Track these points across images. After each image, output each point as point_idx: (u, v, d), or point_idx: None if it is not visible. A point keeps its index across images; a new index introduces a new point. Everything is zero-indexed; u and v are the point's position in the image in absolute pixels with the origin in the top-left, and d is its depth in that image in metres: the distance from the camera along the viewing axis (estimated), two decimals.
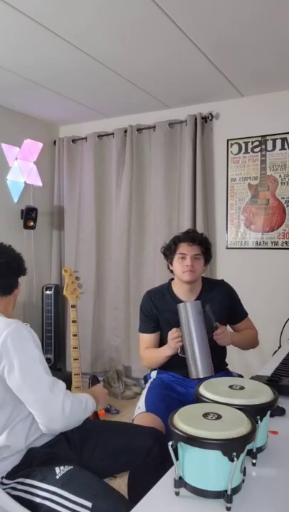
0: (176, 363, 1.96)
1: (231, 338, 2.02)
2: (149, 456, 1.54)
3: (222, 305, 2.11)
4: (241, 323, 2.21)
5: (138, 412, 1.86)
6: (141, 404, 1.91)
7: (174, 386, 2.03)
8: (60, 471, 1.33)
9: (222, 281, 2.26)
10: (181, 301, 2.07)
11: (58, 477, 1.31)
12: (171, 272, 2.17)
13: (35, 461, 1.40)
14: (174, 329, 1.93)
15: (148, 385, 2.08)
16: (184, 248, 2.07)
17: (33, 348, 1.40)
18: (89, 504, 1.22)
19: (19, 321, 1.46)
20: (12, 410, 1.40)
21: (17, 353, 1.35)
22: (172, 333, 1.93)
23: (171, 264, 2.13)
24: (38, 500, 1.30)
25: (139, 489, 1.14)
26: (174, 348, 1.92)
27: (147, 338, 2.15)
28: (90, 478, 1.34)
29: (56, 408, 1.35)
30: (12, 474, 1.39)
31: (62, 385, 1.41)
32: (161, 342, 2.13)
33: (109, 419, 3.27)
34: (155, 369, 2.15)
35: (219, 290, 2.17)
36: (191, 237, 2.10)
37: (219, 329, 1.96)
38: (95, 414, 2.05)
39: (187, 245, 2.07)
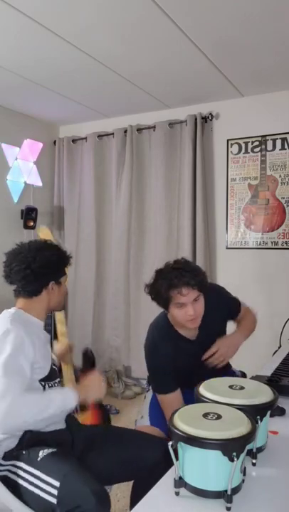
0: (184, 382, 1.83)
1: (234, 345, 1.81)
2: (157, 468, 1.49)
3: (222, 316, 1.96)
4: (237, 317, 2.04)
5: (141, 424, 1.79)
6: (144, 413, 1.83)
7: None
8: (43, 453, 1.38)
9: (208, 289, 1.85)
10: (189, 340, 1.84)
11: (39, 459, 1.36)
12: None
13: (28, 443, 1.43)
14: None
15: (151, 391, 1.96)
16: (180, 298, 1.69)
17: (7, 349, 1.37)
18: (57, 484, 1.27)
19: (21, 326, 1.45)
20: None
21: None
22: None
23: (167, 311, 1.79)
24: (21, 482, 1.35)
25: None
26: None
27: (174, 398, 1.75)
28: (64, 459, 1.37)
29: None
30: (9, 456, 1.42)
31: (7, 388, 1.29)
32: None
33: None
34: None
35: (212, 305, 1.85)
36: (186, 282, 1.68)
37: (213, 350, 1.74)
38: (107, 419, 1.95)
39: (181, 295, 1.69)
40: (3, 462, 1.43)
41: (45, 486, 1.29)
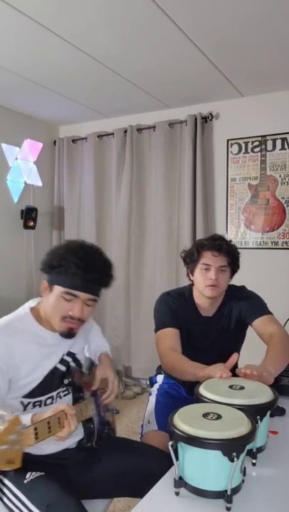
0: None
1: (267, 375, 1.44)
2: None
3: (242, 311, 1.91)
4: (258, 320, 1.85)
5: (149, 429, 1.72)
6: (150, 418, 1.77)
7: (179, 399, 1.88)
8: (30, 475, 1.32)
9: (242, 287, 2.01)
10: (202, 316, 1.87)
11: (25, 481, 1.31)
12: (190, 280, 1.92)
13: None
14: (224, 368, 1.45)
15: (154, 392, 1.93)
16: (208, 258, 1.81)
17: None
18: None
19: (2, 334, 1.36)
20: None
21: None
22: (220, 370, 1.43)
23: (192, 274, 1.88)
24: (6, 501, 1.32)
25: None
26: (205, 378, 1.45)
27: (172, 333, 1.78)
28: (50, 486, 1.31)
29: None
30: None
31: None
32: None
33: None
34: (161, 373, 2.01)
35: (240, 299, 1.91)
36: (218, 245, 1.81)
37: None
38: (108, 428, 1.58)
39: (212, 255, 1.80)
40: None
41: None
